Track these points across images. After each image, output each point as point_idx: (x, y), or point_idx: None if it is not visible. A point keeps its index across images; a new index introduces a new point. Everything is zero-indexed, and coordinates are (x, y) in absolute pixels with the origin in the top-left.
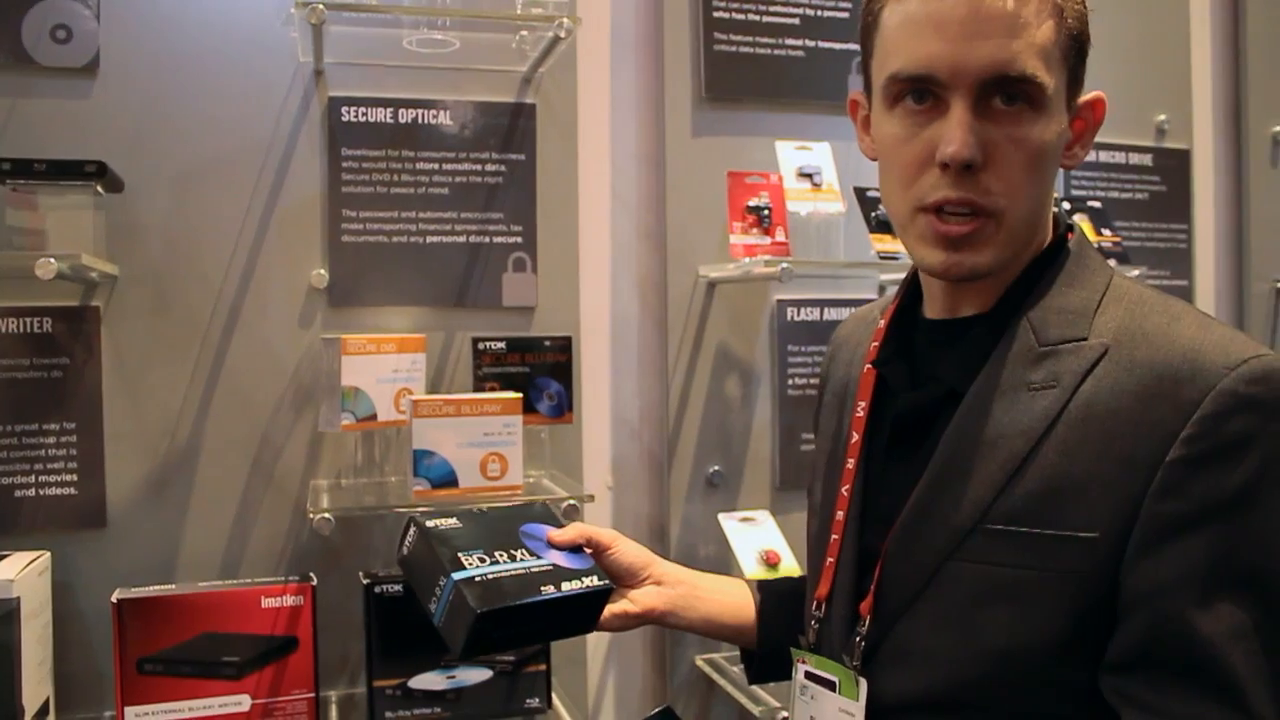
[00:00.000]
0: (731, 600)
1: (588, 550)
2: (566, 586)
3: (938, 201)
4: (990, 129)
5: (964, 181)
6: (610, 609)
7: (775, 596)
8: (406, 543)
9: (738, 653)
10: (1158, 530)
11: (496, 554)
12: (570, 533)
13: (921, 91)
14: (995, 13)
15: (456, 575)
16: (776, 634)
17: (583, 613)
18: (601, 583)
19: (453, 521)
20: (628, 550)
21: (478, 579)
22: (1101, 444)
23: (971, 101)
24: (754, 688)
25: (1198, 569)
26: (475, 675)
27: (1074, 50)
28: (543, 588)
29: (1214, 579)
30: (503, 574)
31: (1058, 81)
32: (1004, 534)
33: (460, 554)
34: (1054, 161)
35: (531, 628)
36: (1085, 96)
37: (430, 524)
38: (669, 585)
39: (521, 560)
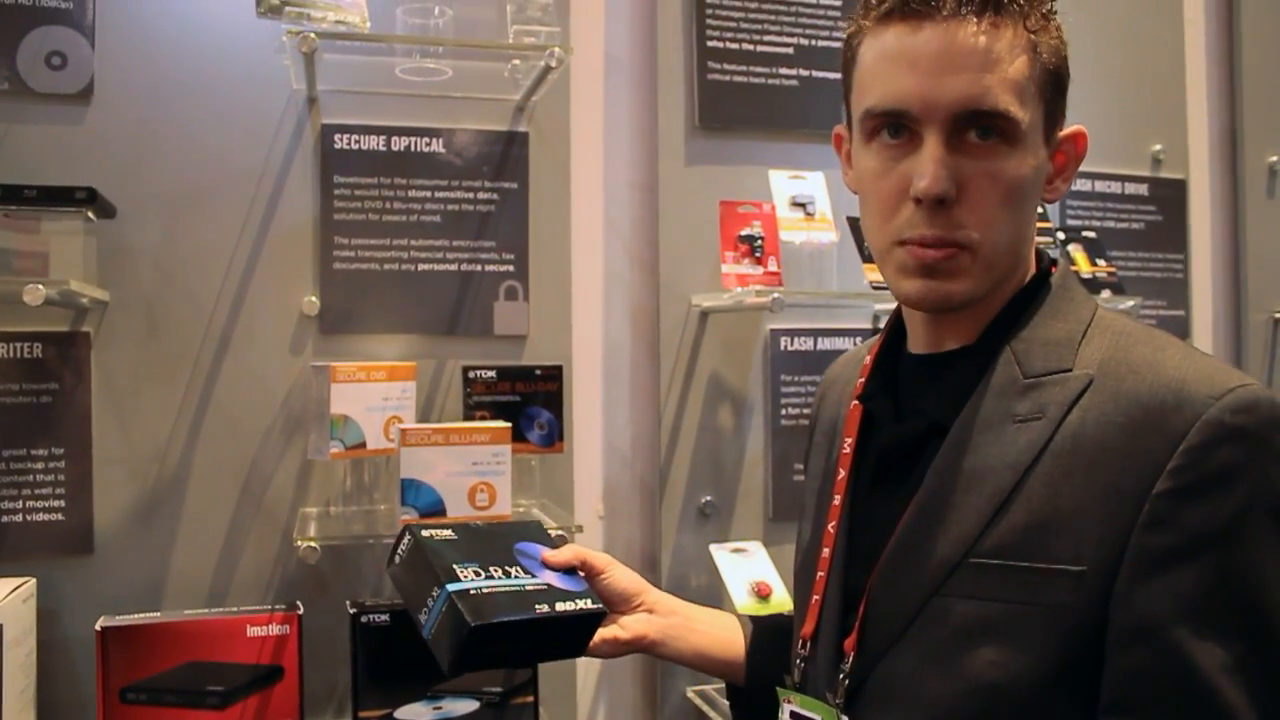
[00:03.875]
0: (722, 634)
1: (581, 573)
2: (561, 607)
3: (913, 238)
4: (964, 163)
5: (938, 217)
6: (601, 634)
7: (765, 633)
8: (400, 551)
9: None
10: (1147, 563)
11: (491, 569)
12: (565, 554)
13: (897, 126)
14: (968, 48)
15: (451, 587)
16: (765, 671)
17: (574, 636)
18: (595, 606)
19: (448, 533)
20: (621, 576)
21: (472, 592)
22: (1088, 476)
23: (945, 136)
24: None
25: (1188, 603)
26: (462, 707)
27: (1050, 85)
28: (537, 606)
29: (1206, 613)
30: (497, 589)
31: (1033, 116)
32: (991, 568)
33: (455, 566)
34: (1032, 195)
35: (522, 646)
36: (1066, 130)
37: (426, 534)
38: (661, 614)
39: (516, 577)
